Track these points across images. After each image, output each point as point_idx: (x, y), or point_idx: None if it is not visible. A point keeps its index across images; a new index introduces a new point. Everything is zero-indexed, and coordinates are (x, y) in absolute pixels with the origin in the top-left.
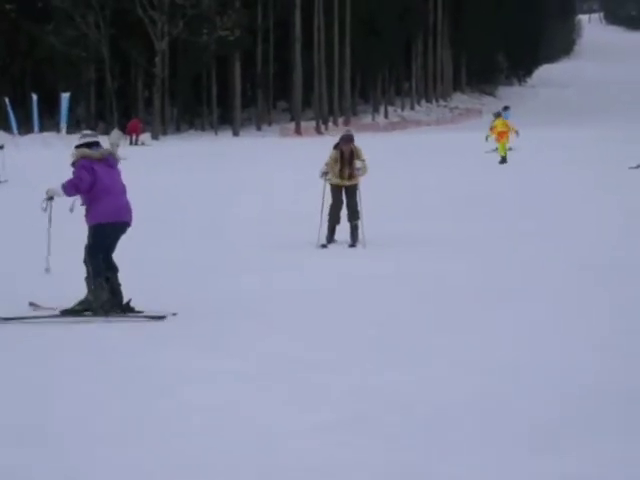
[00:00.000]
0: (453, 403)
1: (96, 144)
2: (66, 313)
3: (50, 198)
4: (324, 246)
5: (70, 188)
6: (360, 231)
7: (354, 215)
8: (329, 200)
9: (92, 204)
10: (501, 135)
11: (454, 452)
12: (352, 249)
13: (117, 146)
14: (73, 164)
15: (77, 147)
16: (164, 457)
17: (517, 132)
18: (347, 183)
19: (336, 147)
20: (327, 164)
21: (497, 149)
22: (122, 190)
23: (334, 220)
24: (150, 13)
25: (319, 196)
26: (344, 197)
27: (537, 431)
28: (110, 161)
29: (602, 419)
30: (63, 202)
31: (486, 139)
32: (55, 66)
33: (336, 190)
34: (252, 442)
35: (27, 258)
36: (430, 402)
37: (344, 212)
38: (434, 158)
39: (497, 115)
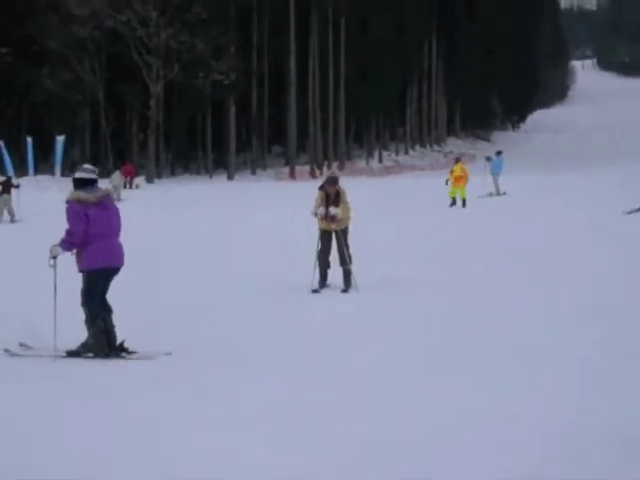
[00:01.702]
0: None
1: (93, 182)
2: (71, 354)
3: (54, 257)
4: (316, 291)
5: (67, 245)
6: (353, 276)
7: (344, 260)
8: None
9: (84, 248)
10: (458, 180)
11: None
12: (344, 294)
13: (119, 187)
14: (67, 202)
15: (74, 181)
16: None
17: (468, 179)
18: (335, 227)
19: (321, 188)
20: (315, 207)
21: (451, 197)
22: (116, 232)
23: (324, 265)
24: (145, 57)
25: (313, 238)
26: (333, 241)
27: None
28: (105, 204)
29: (584, 462)
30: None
31: (446, 183)
32: (51, 109)
33: (324, 235)
34: None
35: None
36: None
37: (335, 257)
38: (427, 203)
39: (488, 159)
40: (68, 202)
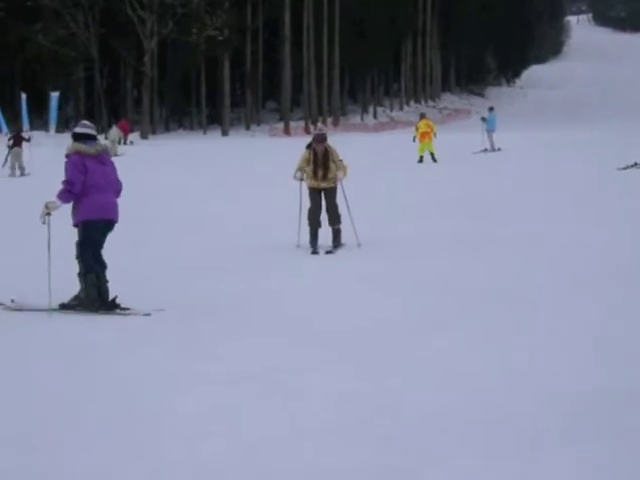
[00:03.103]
0: (441, 406)
1: (93, 137)
2: (63, 307)
3: (48, 214)
4: (315, 252)
5: (65, 197)
6: (344, 234)
7: (334, 219)
8: (307, 203)
9: (80, 200)
10: (423, 136)
11: (442, 456)
12: (333, 254)
13: (115, 142)
14: (67, 155)
15: (74, 135)
16: (145, 460)
17: (435, 134)
18: (324, 185)
19: (309, 147)
20: (299, 167)
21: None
22: (112, 188)
23: (315, 224)
24: (139, 12)
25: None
26: (323, 200)
27: (523, 435)
28: (103, 158)
29: (587, 424)
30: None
31: (413, 140)
32: (44, 65)
33: (314, 193)
34: (238, 448)
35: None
36: (419, 406)
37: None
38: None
39: (483, 119)
40: (67, 156)
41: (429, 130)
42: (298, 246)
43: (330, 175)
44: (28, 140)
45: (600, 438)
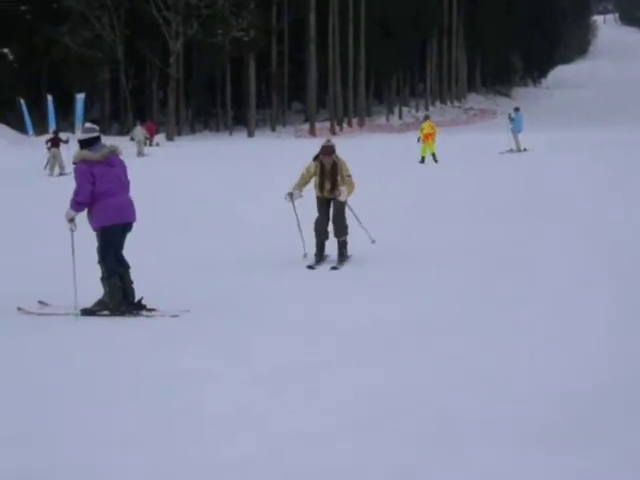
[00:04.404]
0: (456, 406)
1: (96, 140)
2: (85, 313)
3: (71, 220)
4: (310, 267)
5: (76, 207)
6: (351, 244)
7: (341, 230)
8: (303, 215)
9: (94, 207)
10: (427, 137)
11: (456, 456)
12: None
13: (141, 143)
14: (74, 164)
15: (79, 143)
16: (172, 460)
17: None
18: (333, 195)
19: (316, 159)
20: (298, 182)
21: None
22: (125, 188)
23: (321, 236)
24: (165, 14)
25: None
26: (331, 210)
27: (545, 431)
28: (111, 160)
29: (611, 418)
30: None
31: (418, 140)
32: (70, 67)
33: (321, 202)
34: (261, 446)
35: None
36: (433, 406)
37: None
38: (448, 160)
39: (511, 119)
40: (75, 163)
41: (432, 131)
42: (305, 256)
43: (337, 191)
44: (66, 142)
45: (602, 437)
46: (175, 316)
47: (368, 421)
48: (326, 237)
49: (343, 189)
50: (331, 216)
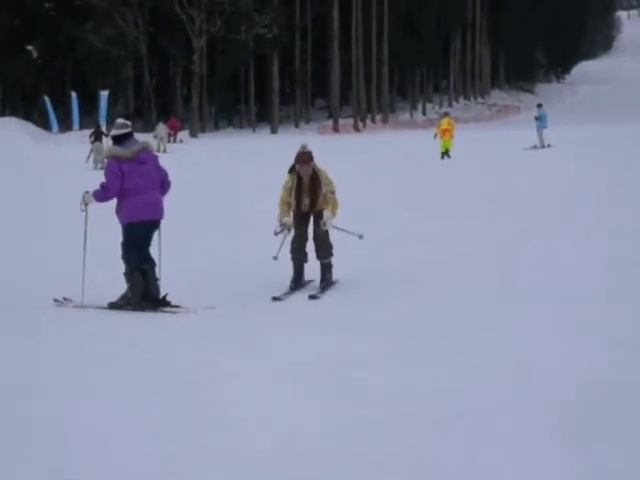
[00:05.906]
0: (485, 400)
1: (129, 136)
2: (111, 306)
3: (86, 204)
4: (277, 299)
5: (99, 197)
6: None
7: (324, 251)
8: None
9: (122, 203)
10: (444, 133)
11: (487, 450)
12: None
13: (164, 139)
14: (106, 157)
15: (112, 138)
16: (193, 454)
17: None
18: (312, 210)
19: (291, 171)
20: (281, 203)
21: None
22: (154, 185)
23: (299, 258)
24: (188, 10)
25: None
26: (310, 226)
27: (568, 426)
28: (142, 158)
29: (633, 415)
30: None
31: (434, 137)
32: (94, 64)
33: (298, 217)
34: (284, 441)
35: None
36: (462, 401)
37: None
38: (473, 156)
39: (537, 119)
40: (107, 158)
41: (450, 128)
42: (276, 259)
43: (318, 207)
44: (107, 135)
45: (606, 435)
46: (197, 313)
47: (395, 417)
48: (305, 259)
49: (327, 213)
50: (311, 233)
